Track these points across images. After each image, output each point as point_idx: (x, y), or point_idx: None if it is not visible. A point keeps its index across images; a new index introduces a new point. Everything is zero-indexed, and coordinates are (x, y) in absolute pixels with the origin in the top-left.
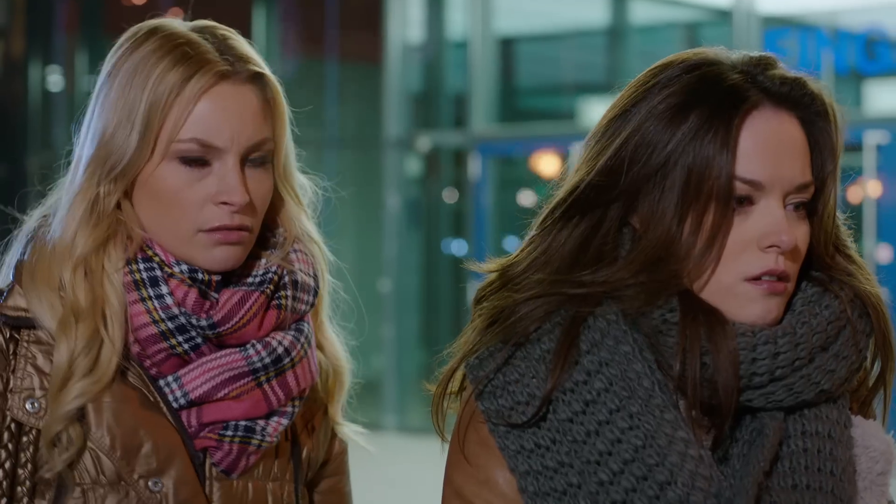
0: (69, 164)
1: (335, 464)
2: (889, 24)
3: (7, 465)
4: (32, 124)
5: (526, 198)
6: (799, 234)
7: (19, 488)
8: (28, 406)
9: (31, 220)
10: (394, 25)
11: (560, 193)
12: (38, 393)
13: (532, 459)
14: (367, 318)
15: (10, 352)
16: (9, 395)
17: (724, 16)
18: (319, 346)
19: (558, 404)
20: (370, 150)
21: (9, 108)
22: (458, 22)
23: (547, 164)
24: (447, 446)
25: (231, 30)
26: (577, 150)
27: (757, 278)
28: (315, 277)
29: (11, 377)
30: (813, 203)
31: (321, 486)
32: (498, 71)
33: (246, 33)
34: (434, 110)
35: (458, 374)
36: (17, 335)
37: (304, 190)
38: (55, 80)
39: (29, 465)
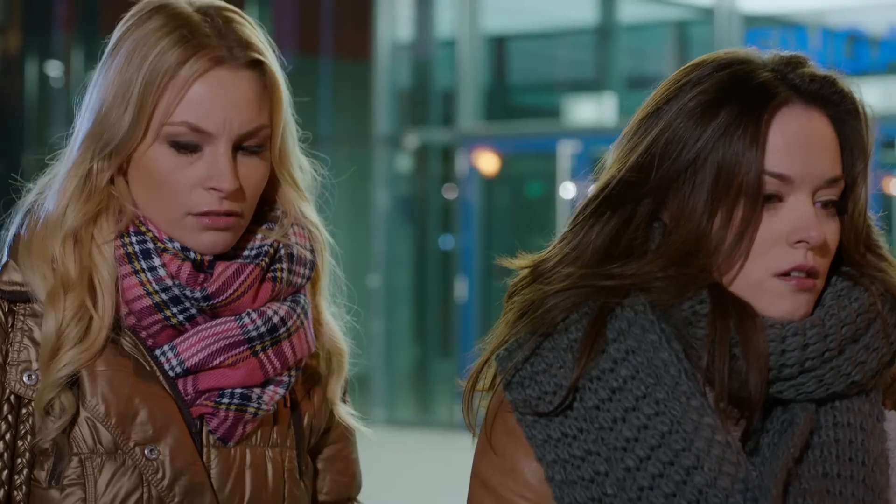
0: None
1: (338, 430)
2: (869, 24)
3: (7, 437)
4: (29, 121)
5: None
6: (828, 230)
7: (19, 459)
8: (25, 378)
9: (31, 193)
10: (383, 23)
11: (592, 190)
12: (35, 365)
13: (559, 448)
14: (358, 312)
15: (9, 325)
16: (7, 368)
17: (708, 14)
18: (318, 327)
19: (585, 392)
20: (360, 147)
21: (6, 105)
22: (447, 20)
23: (484, 162)
24: (474, 441)
25: (240, 12)
26: (611, 149)
27: (786, 274)
28: (312, 251)
29: (10, 350)
30: (843, 201)
31: (325, 453)
32: (486, 69)
33: None
34: (423, 108)
35: (490, 371)
36: (14, 308)
37: (304, 173)
38: (52, 76)
39: (28, 437)
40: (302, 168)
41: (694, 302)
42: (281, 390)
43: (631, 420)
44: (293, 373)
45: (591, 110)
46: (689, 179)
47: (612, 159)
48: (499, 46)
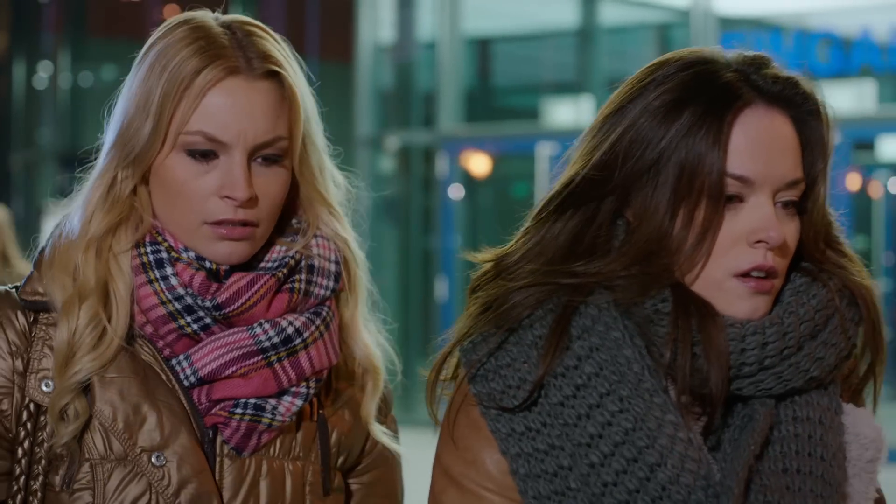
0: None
1: (378, 453)
2: (843, 27)
3: (26, 443)
4: (16, 122)
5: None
6: (788, 230)
7: (36, 466)
8: (43, 387)
9: (66, 207)
10: (365, 25)
11: (555, 186)
12: (52, 374)
13: (523, 442)
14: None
15: (31, 334)
16: (28, 376)
17: (684, 16)
18: (350, 342)
19: (549, 388)
20: (342, 148)
21: None
22: (428, 22)
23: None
24: (439, 430)
25: (262, 26)
26: (574, 145)
27: (746, 274)
28: (337, 263)
29: (31, 359)
30: (804, 200)
31: (366, 478)
32: (466, 71)
33: None
34: (404, 109)
35: (452, 361)
36: (37, 317)
37: (338, 188)
38: (40, 78)
39: (45, 444)
40: (336, 183)
41: (656, 301)
42: (299, 401)
43: (595, 417)
44: (312, 384)
45: (569, 112)
46: (652, 178)
47: (575, 156)
48: (480, 49)
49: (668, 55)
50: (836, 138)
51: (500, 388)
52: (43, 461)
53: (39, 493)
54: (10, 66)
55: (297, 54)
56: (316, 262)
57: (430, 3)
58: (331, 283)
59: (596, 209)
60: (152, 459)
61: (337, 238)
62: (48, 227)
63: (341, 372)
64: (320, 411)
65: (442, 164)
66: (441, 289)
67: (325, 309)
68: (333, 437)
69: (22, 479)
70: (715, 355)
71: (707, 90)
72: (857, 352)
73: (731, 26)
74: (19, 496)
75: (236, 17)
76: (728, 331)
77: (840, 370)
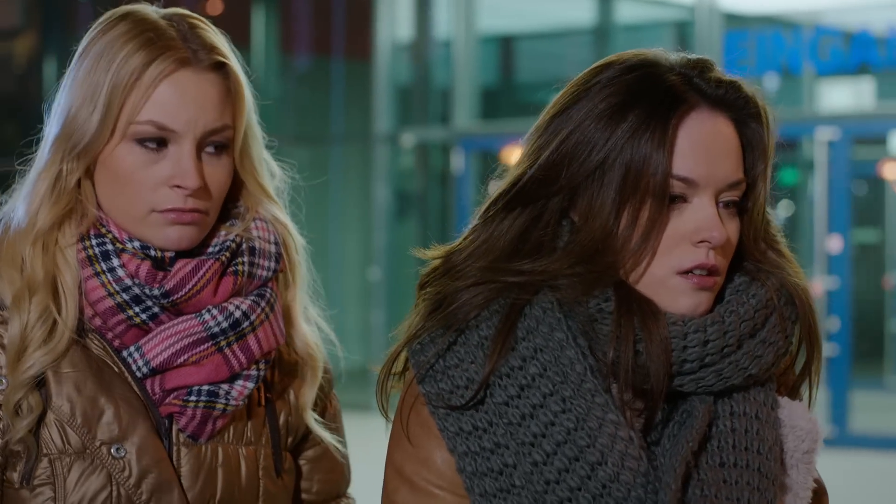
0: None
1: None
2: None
3: None
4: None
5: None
6: (730, 229)
7: None
8: None
9: (7, 204)
10: (383, 24)
11: (503, 185)
12: (6, 371)
13: (470, 441)
14: (360, 304)
15: None
16: None
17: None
18: (290, 329)
19: (495, 388)
20: (360, 145)
21: (26, 104)
22: (445, 20)
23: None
24: (390, 425)
25: (202, 19)
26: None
27: (688, 272)
28: (277, 245)
29: None
30: (744, 200)
31: (310, 454)
32: (482, 69)
33: (245, 29)
34: (421, 106)
35: (402, 357)
36: None
37: (272, 177)
38: None
39: (0, 441)
40: (272, 173)
41: (600, 300)
42: (250, 384)
43: (538, 416)
44: (262, 366)
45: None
46: (597, 179)
47: (522, 154)
48: (496, 47)
49: (612, 57)
50: (774, 140)
51: (448, 389)
52: (0, 458)
53: None
54: (40, 66)
55: (234, 47)
56: (257, 244)
57: (447, 1)
58: (272, 265)
59: (543, 208)
60: (112, 451)
61: (276, 222)
62: None
63: (283, 357)
64: (267, 395)
65: (457, 160)
66: None
67: (269, 291)
68: (281, 419)
69: None
70: (656, 352)
71: (651, 93)
72: (794, 349)
73: (738, 23)
74: None
75: (177, 10)
76: (670, 328)
77: (777, 367)
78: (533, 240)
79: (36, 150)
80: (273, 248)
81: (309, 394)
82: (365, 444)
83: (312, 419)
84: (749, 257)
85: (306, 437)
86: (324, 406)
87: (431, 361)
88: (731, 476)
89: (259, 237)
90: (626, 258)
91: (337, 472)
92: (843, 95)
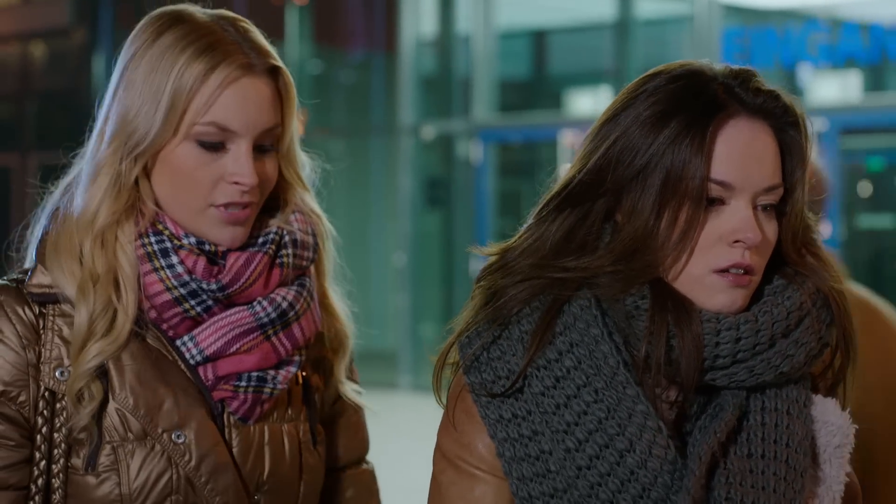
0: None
1: (343, 403)
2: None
3: (44, 430)
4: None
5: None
6: (768, 230)
7: (56, 450)
8: (57, 374)
9: (55, 194)
10: (407, 17)
11: (556, 187)
12: (66, 362)
13: (510, 428)
14: (386, 288)
15: (40, 326)
16: (41, 367)
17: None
18: (324, 310)
19: (533, 379)
20: (386, 136)
21: (77, 99)
22: (465, 16)
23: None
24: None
25: (248, 21)
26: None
27: (724, 270)
28: (314, 236)
29: (42, 350)
30: (783, 204)
31: (337, 422)
32: (505, 62)
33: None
34: (443, 99)
35: (455, 348)
36: (43, 310)
37: (303, 167)
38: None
39: (63, 429)
40: (303, 164)
41: (637, 297)
42: (293, 369)
43: (572, 406)
44: (303, 352)
45: (589, 102)
46: (640, 182)
47: (576, 157)
48: (520, 41)
49: (660, 67)
50: (812, 147)
51: (490, 378)
52: (62, 445)
53: (62, 476)
54: (90, 63)
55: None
56: (298, 236)
57: None
58: (311, 255)
59: (589, 209)
60: (173, 437)
61: (311, 213)
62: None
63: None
64: (303, 374)
65: (476, 151)
66: (476, 266)
67: (308, 280)
68: (315, 396)
69: (43, 464)
70: (688, 348)
71: (693, 102)
72: (830, 350)
73: (734, 17)
74: (41, 479)
75: (223, 11)
76: (704, 325)
77: (810, 367)
78: (578, 239)
79: (85, 144)
80: (311, 240)
81: (342, 367)
82: (389, 419)
83: (351, 390)
84: (788, 259)
85: (332, 410)
86: (350, 378)
87: (477, 353)
88: (758, 466)
89: (299, 229)
90: (666, 257)
91: (359, 438)
92: (832, 89)
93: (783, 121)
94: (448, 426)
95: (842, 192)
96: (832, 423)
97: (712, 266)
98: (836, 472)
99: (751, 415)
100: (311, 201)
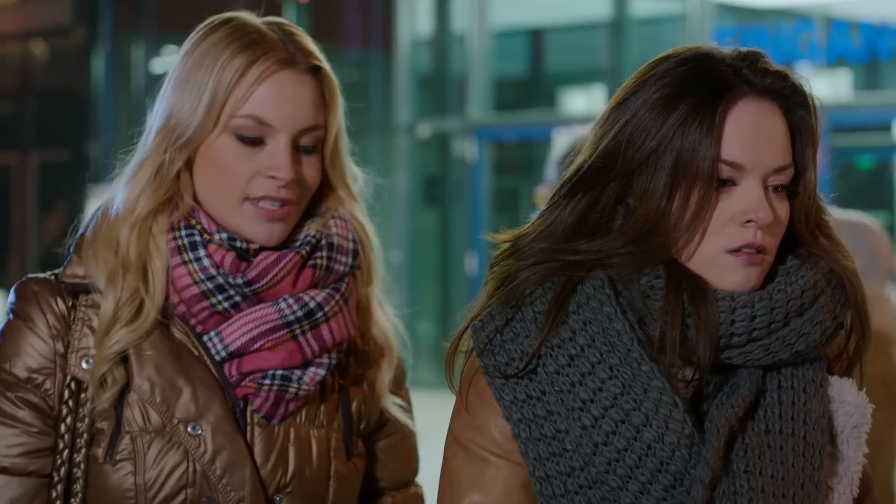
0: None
1: (396, 421)
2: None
3: (69, 419)
4: (95, 112)
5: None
6: (780, 210)
7: (79, 440)
8: (84, 364)
9: (110, 192)
10: (403, 16)
11: (567, 173)
12: (93, 351)
13: (525, 409)
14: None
15: (71, 318)
16: (69, 356)
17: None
18: (366, 319)
19: (547, 359)
20: (383, 134)
21: (77, 98)
22: (460, 16)
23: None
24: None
25: (300, 28)
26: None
27: (737, 250)
28: (354, 242)
29: (71, 339)
30: (794, 185)
31: (384, 443)
32: (501, 60)
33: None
34: (440, 98)
35: (468, 334)
36: (75, 301)
37: (355, 180)
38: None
39: (87, 419)
40: (355, 177)
41: (651, 277)
42: (322, 371)
43: (587, 383)
44: (334, 355)
45: (582, 101)
46: (651, 165)
47: (587, 143)
48: (516, 39)
49: (669, 51)
50: (822, 127)
51: (504, 360)
52: (85, 435)
53: (83, 465)
54: (89, 62)
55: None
56: (335, 241)
57: None
58: (349, 261)
59: (601, 193)
60: (188, 429)
61: (354, 220)
62: (90, 210)
63: (359, 348)
64: (341, 382)
65: (471, 150)
66: (471, 263)
67: (344, 285)
68: (353, 405)
69: (65, 453)
70: (704, 325)
71: (701, 84)
72: (846, 331)
73: (727, 16)
74: (63, 468)
75: (275, 18)
76: (719, 304)
77: (826, 346)
78: (590, 222)
79: (90, 144)
80: (351, 246)
81: (385, 380)
82: None
83: (391, 403)
84: (801, 240)
85: (382, 426)
86: (398, 396)
87: (490, 335)
88: (776, 442)
89: (338, 234)
90: (678, 238)
91: (408, 461)
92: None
93: (792, 101)
94: (461, 410)
95: (832, 189)
96: (849, 402)
97: (725, 246)
98: (854, 452)
99: (767, 393)
100: (356, 210)
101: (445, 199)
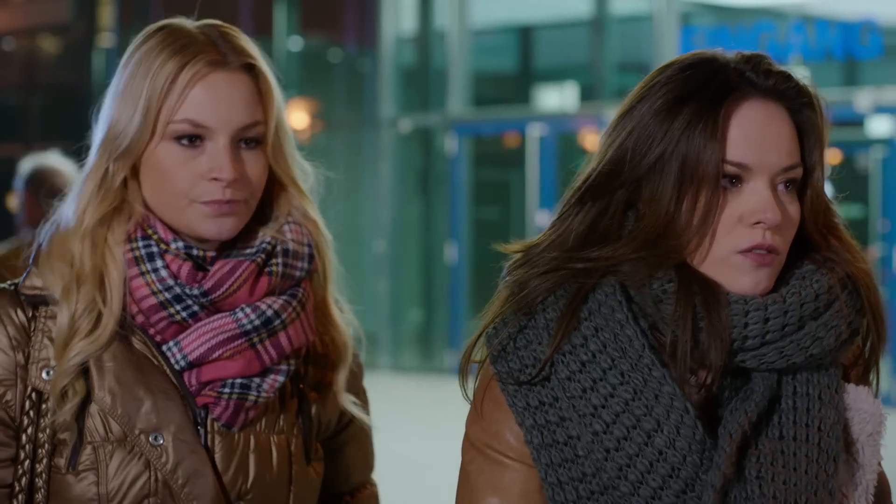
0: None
1: (356, 424)
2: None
3: (29, 430)
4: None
5: None
6: (791, 210)
7: (40, 450)
8: (44, 375)
9: (60, 207)
10: (387, 14)
11: (577, 181)
12: (53, 363)
13: (537, 415)
14: (368, 274)
15: (31, 328)
16: (29, 367)
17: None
18: (323, 320)
19: (559, 365)
20: (367, 129)
21: (77, 95)
22: (442, 14)
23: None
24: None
25: (235, 28)
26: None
27: (747, 251)
28: (309, 246)
29: (31, 351)
30: (803, 185)
31: (344, 445)
32: (485, 57)
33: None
34: (422, 93)
35: (482, 342)
36: (35, 312)
37: (305, 175)
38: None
39: (48, 430)
40: (304, 170)
41: (663, 281)
42: (281, 378)
43: (598, 389)
44: (292, 362)
45: (555, 97)
46: (658, 170)
47: (596, 151)
48: (497, 37)
49: (674, 58)
50: (828, 127)
51: (517, 367)
52: (46, 445)
53: (45, 475)
54: (90, 59)
55: (265, 52)
56: (290, 247)
57: None
58: (305, 265)
59: (610, 200)
60: (150, 440)
61: (307, 222)
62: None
63: (318, 352)
64: (300, 387)
65: (451, 144)
66: (451, 252)
67: (300, 290)
68: (313, 410)
69: (27, 463)
70: (716, 329)
71: (705, 87)
72: (861, 337)
73: (693, 16)
74: (24, 479)
75: (207, 20)
76: (731, 307)
77: (841, 352)
78: (601, 230)
79: (87, 141)
80: (306, 250)
81: (341, 378)
82: (369, 397)
83: (349, 401)
84: (814, 244)
85: (342, 429)
86: (355, 394)
87: (504, 343)
88: (790, 448)
89: (293, 239)
90: (689, 241)
91: (365, 461)
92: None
93: (797, 102)
94: (476, 416)
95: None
96: (865, 410)
97: (735, 248)
98: (869, 459)
99: (782, 399)
100: (310, 210)
101: (428, 191)
